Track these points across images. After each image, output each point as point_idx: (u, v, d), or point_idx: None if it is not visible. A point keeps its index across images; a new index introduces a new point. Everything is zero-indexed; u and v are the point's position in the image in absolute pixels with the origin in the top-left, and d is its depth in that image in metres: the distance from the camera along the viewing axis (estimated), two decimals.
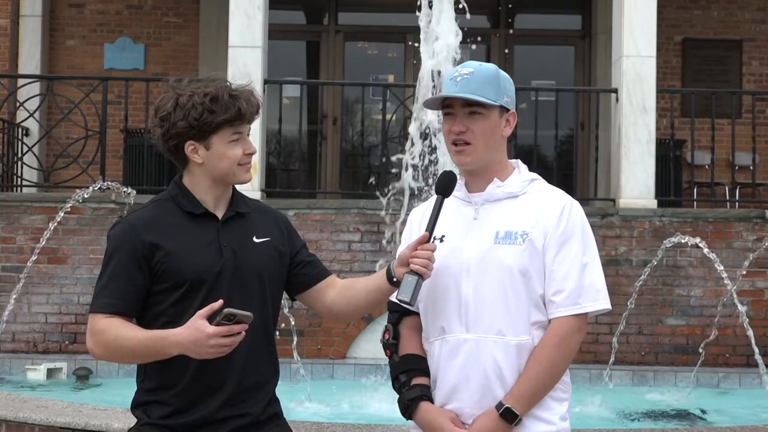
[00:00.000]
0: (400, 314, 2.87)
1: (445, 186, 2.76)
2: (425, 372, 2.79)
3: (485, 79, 2.75)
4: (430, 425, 2.73)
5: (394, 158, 8.31)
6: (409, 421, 2.80)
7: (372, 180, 9.02)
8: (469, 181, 2.82)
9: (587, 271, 2.73)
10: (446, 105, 2.79)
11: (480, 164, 2.78)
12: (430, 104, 2.86)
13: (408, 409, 2.77)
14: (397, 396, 2.81)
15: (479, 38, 10.05)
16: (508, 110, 2.81)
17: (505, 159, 2.85)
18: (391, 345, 2.85)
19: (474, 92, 2.72)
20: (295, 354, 8.00)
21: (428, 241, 2.69)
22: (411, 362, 2.81)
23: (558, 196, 2.81)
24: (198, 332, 2.55)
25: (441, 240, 2.76)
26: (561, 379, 2.75)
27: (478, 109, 2.74)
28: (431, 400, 2.76)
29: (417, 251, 2.66)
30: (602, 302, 2.75)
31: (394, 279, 2.74)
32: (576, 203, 2.81)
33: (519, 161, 2.89)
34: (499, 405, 2.67)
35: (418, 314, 2.86)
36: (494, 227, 2.74)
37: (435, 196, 2.77)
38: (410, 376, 2.78)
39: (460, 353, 2.72)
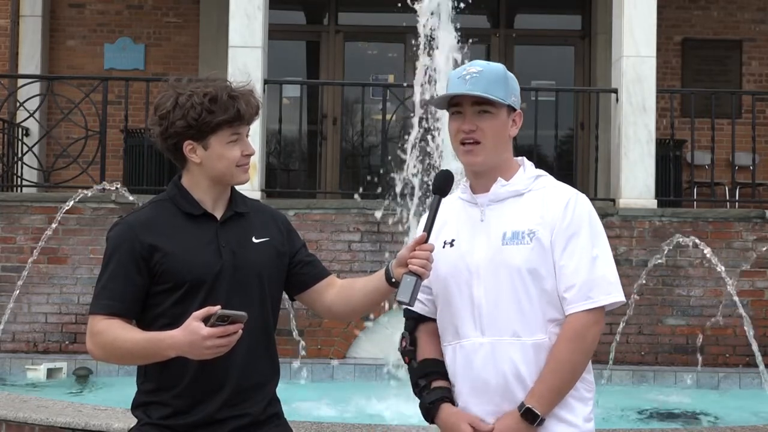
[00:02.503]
0: (416, 321, 2.85)
1: (441, 185, 2.73)
2: (444, 375, 2.77)
3: (494, 78, 2.72)
4: (452, 427, 2.70)
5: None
6: (432, 425, 2.78)
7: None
8: (475, 182, 2.79)
9: (598, 263, 2.68)
10: (454, 104, 2.75)
11: (488, 165, 2.75)
12: (437, 103, 2.82)
13: (429, 412, 2.74)
14: (418, 401, 2.79)
15: (479, 38, 10.04)
16: (514, 110, 2.79)
17: (510, 158, 2.82)
18: (408, 352, 2.83)
19: (484, 91, 2.69)
20: (300, 350, 8.00)
21: (426, 241, 2.66)
22: (429, 366, 2.79)
23: (562, 190, 2.78)
24: (193, 334, 2.55)
25: (451, 245, 2.73)
26: (583, 377, 2.73)
27: (487, 108, 2.71)
28: (453, 402, 2.74)
29: (415, 251, 2.64)
30: (615, 294, 2.70)
31: (393, 279, 2.73)
32: (582, 196, 2.77)
33: (524, 159, 2.85)
34: (521, 405, 2.65)
35: (433, 320, 2.83)
36: (501, 228, 2.71)
37: (433, 197, 2.75)
38: (429, 380, 2.76)
39: (476, 357, 2.70)
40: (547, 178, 2.83)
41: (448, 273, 2.69)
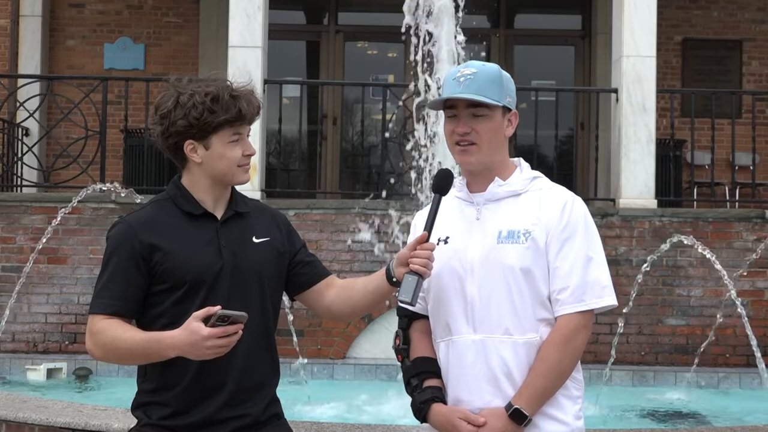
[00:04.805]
0: (409, 319, 2.85)
1: (441, 184, 2.74)
2: (437, 374, 2.78)
3: (489, 80, 2.73)
4: (444, 426, 2.71)
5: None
6: (424, 423, 2.78)
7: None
8: (471, 181, 2.80)
9: (592, 266, 2.71)
10: (449, 106, 2.77)
11: (483, 164, 2.77)
12: (433, 105, 2.84)
13: (421, 411, 2.75)
14: (410, 400, 2.80)
15: (479, 38, 10.04)
16: (510, 110, 2.80)
17: (506, 158, 2.84)
18: (402, 350, 2.84)
19: (478, 93, 2.70)
20: (299, 352, 8.00)
21: (427, 240, 2.67)
22: (422, 365, 2.79)
23: (559, 192, 2.79)
24: (194, 334, 2.55)
25: (446, 242, 2.74)
26: (573, 376, 2.73)
27: (482, 110, 2.73)
28: (444, 401, 2.75)
29: (416, 251, 2.64)
30: (608, 298, 2.72)
31: (394, 279, 2.73)
32: (578, 199, 2.79)
33: (521, 159, 2.88)
34: (509, 406, 2.66)
35: (426, 317, 2.84)
36: (497, 227, 2.73)
37: (433, 195, 2.75)
38: (422, 379, 2.77)
39: (468, 354, 2.71)
40: (543, 180, 2.84)
41: (441, 270, 2.69)
